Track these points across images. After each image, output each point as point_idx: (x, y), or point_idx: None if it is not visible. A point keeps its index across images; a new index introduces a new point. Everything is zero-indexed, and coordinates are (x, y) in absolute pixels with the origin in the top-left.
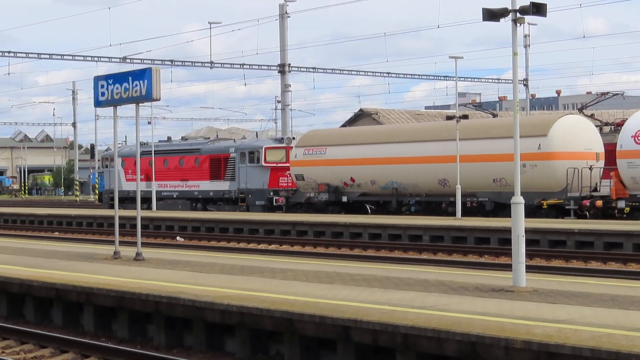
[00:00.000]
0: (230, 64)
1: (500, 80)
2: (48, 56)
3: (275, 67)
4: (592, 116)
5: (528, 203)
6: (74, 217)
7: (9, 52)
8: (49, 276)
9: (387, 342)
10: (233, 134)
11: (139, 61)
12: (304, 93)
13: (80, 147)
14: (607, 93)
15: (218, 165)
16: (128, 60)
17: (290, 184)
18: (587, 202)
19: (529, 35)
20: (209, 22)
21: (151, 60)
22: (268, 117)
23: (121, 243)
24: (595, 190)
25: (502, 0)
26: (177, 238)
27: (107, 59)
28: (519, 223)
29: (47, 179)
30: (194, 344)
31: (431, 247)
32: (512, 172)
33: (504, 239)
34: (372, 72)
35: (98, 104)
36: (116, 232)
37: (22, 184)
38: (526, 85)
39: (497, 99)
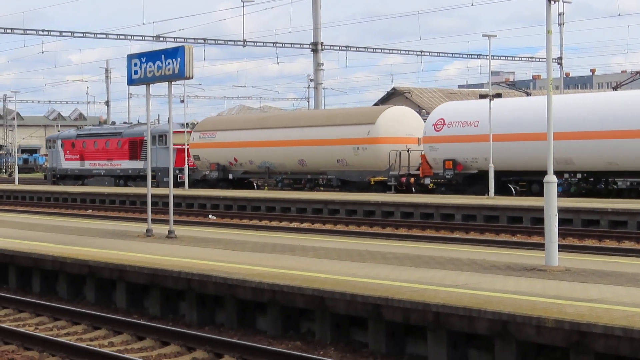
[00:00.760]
0: (263, 42)
1: (534, 59)
2: (82, 35)
3: (308, 46)
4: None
5: (361, 179)
6: (107, 194)
7: (42, 30)
8: (82, 253)
9: (418, 321)
10: (266, 112)
11: (172, 40)
12: (336, 72)
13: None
14: None
15: (135, 147)
16: (161, 39)
17: (192, 164)
18: (404, 179)
19: (563, 14)
20: (241, 0)
21: (184, 38)
22: (300, 95)
23: (154, 221)
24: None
25: None
26: (209, 216)
27: (141, 38)
28: (552, 202)
29: None
30: (226, 321)
31: (463, 226)
32: (349, 153)
33: (537, 218)
34: (405, 51)
35: (131, 82)
36: (149, 210)
37: None
38: (560, 64)
39: (531, 78)
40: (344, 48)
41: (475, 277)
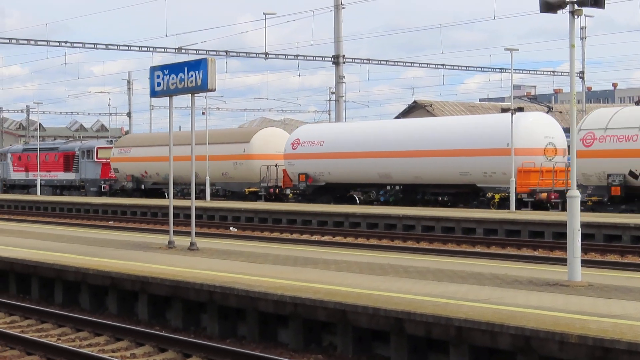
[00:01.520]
0: (285, 55)
1: (555, 73)
2: (104, 46)
3: (329, 58)
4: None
5: (240, 190)
6: (129, 206)
7: (65, 42)
8: (105, 265)
9: (440, 335)
10: (287, 125)
11: (194, 52)
12: (357, 84)
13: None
14: None
15: (68, 160)
16: (183, 51)
17: (113, 175)
18: (272, 190)
19: (585, 27)
20: (263, 13)
21: (206, 50)
22: (321, 108)
23: (175, 233)
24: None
25: None
26: (231, 228)
27: (163, 50)
28: (575, 217)
29: None
30: (247, 334)
31: (485, 240)
32: (230, 167)
33: (558, 232)
34: (427, 64)
35: (154, 94)
36: (170, 222)
37: None
38: (582, 78)
39: (553, 92)
40: (365, 61)
41: (497, 292)
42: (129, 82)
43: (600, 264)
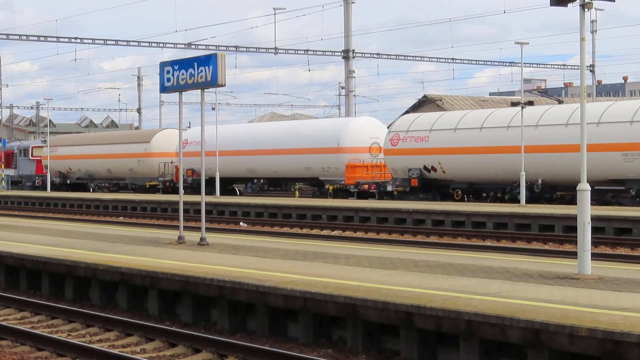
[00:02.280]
0: (295, 49)
1: (566, 67)
2: (114, 42)
3: (339, 53)
4: None
5: (144, 184)
6: (139, 202)
7: (75, 38)
8: (115, 260)
9: (450, 329)
10: (296, 119)
11: (204, 47)
12: (367, 79)
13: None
14: None
15: (9, 158)
16: (193, 46)
17: (45, 172)
18: (168, 184)
19: (595, 21)
20: (273, 8)
21: (216, 46)
22: (331, 103)
23: (185, 228)
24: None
25: None
26: (241, 223)
27: (172, 45)
28: (585, 210)
29: None
30: (257, 328)
31: (495, 234)
32: (135, 164)
33: (569, 226)
34: (437, 58)
35: (164, 89)
36: (180, 217)
37: None
38: (593, 72)
39: (563, 85)
40: (375, 55)
41: (507, 286)
42: (138, 77)
43: (610, 257)
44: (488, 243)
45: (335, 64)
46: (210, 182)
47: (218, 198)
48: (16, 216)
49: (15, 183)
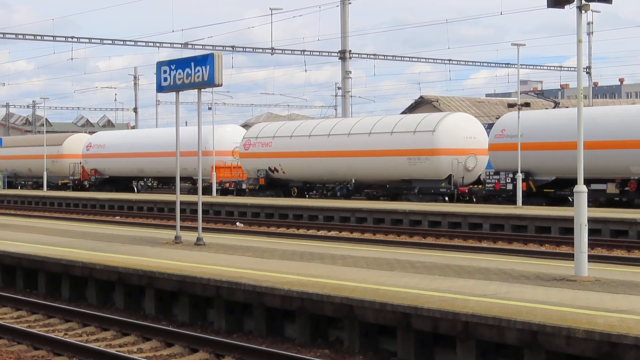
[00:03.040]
0: (291, 50)
1: (562, 68)
2: (110, 42)
3: (336, 54)
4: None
5: (57, 182)
6: (135, 201)
7: (72, 37)
8: (111, 260)
9: (447, 330)
10: (293, 120)
11: (201, 47)
12: (364, 80)
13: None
14: None
15: None
16: (190, 46)
17: None
18: (77, 182)
19: (592, 23)
20: (270, 8)
21: (212, 46)
22: (327, 103)
23: (182, 228)
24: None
25: None
26: (237, 224)
27: (169, 45)
28: (581, 212)
29: None
30: (254, 328)
31: (491, 236)
32: (50, 164)
33: (565, 227)
34: (433, 59)
35: (160, 89)
36: (177, 217)
37: None
38: (589, 73)
39: (559, 87)
40: (371, 56)
41: (504, 287)
42: (135, 77)
43: (607, 259)
44: (484, 244)
45: (332, 64)
46: (112, 180)
47: (215, 198)
48: (12, 215)
49: None
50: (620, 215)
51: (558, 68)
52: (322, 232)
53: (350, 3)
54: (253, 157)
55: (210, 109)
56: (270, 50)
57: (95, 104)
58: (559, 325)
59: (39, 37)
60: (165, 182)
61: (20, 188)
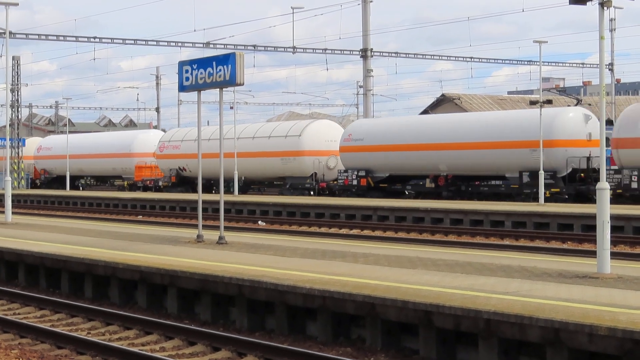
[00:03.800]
0: (313, 48)
1: (584, 65)
2: (132, 42)
3: (357, 52)
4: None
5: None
6: (157, 200)
7: (94, 38)
8: (134, 259)
9: (469, 328)
10: (314, 118)
11: (222, 46)
12: (385, 78)
13: (164, 131)
14: None
15: None
16: (211, 46)
17: None
18: (30, 180)
19: (614, 19)
20: (291, 7)
21: (234, 45)
22: (349, 102)
23: (204, 227)
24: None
25: None
26: (259, 222)
27: (191, 44)
28: (604, 209)
29: None
30: (276, 327)
31: (513, 233)
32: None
33: (588, 225)
34: (455, 57)
35: (182, 88)
36: (199, 216)
37: None
38: (611, 70)
39: (582, 84)
40: (393, 54)
41: (526, 285)
42: (157, 77)
43: (629, 256)
44: (506, 242)
45: (353, 62)
46: (59, 179)
47: (237, 197)
48: (36, 215)
49: None
50: None
51: (580, 65)
52: (343, 231)
53: (371, 1)
54: (166, 158)
55: (232, 108)
56: (291, 49)
57: (118, 104)
58: (581, 322)
59: (61, 38)
60: (102, 181)
61: None
